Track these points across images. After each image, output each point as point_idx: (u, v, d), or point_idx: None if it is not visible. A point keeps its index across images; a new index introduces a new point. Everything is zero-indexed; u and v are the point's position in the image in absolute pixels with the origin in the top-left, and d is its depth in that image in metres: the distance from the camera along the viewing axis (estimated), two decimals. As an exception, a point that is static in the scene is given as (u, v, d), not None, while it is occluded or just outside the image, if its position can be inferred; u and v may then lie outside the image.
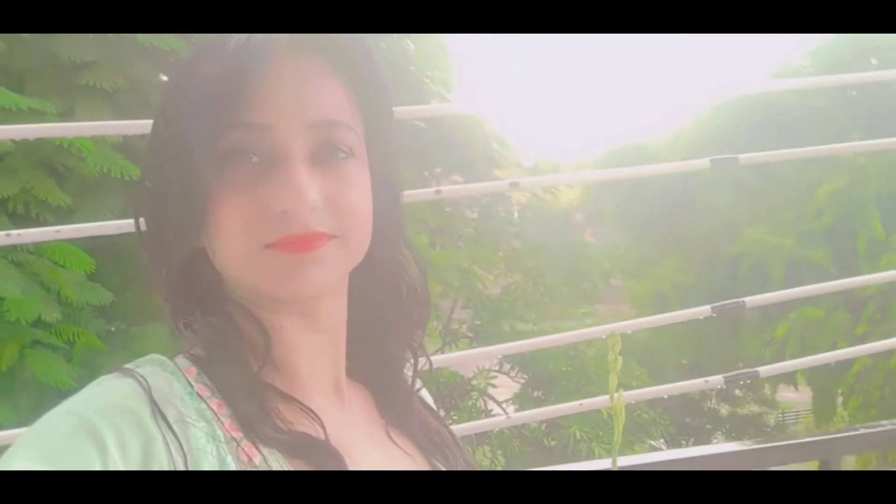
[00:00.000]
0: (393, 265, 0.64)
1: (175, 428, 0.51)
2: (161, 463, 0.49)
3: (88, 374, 2.83)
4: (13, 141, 2.47)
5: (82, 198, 2.90)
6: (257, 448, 0.53)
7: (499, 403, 5.67)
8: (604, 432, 4.75)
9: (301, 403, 0.56)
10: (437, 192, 1.24)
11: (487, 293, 5.59)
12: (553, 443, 5.32)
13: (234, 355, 0.56)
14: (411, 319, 0.65)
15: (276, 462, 0.53)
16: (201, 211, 0.54)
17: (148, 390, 0.52)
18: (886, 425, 1.25)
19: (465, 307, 5.53)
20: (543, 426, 5.65)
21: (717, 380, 1.51)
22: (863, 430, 1.31)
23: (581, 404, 1.40)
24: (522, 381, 5.82)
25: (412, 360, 0.67)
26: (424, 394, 0.73)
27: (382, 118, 0.61)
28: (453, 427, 0.73)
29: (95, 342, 2.88)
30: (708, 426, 8.94)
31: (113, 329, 3.22)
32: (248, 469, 0.52)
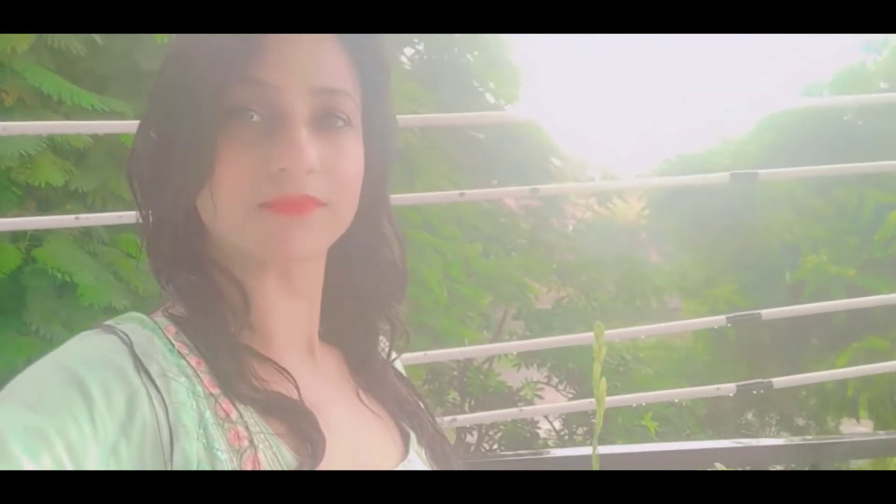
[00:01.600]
0: (374, 236, 0.66)
1: (157, 382, 0.52)
2: (144, 415, 0.51)
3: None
4: (95, 138, 2.73)
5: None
6: (234, 405, 0.55)
7: (545, 416, 5.75)
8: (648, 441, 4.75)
9: (276, 364, 0.59)
10: (462, 194, 1.36)
11: (539, 307, 5.67)
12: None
13: (213, 315, 0.58)
14: (388, 291, 0.68)
15: (252, 418, 0.55)
16: (207, 165, 0.55)
17: (130, 346, 0.53)
18: (881, 434, 1.30)
19: (517, 318, 5.62)
20: (587, 438, 5.68)
21: (729, 387, 1.58)
22: (857, 438, 1.36)
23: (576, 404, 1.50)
24: (570, 395, 5.87)
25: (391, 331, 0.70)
26: (399, 365, 0.76)
27: (380, 91, 0.62)
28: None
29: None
30: (766, 455, 8.73)
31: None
32: (225, 423, 0.54)
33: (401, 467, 0.64)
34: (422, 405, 0.72)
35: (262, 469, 0.54)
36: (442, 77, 4.88)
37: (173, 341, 0.56)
